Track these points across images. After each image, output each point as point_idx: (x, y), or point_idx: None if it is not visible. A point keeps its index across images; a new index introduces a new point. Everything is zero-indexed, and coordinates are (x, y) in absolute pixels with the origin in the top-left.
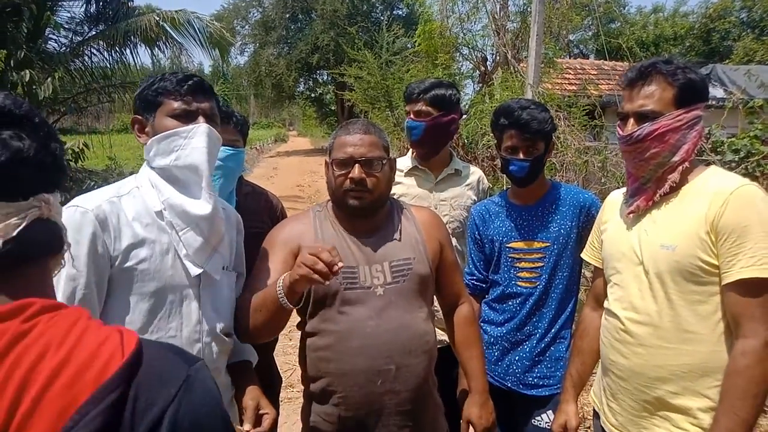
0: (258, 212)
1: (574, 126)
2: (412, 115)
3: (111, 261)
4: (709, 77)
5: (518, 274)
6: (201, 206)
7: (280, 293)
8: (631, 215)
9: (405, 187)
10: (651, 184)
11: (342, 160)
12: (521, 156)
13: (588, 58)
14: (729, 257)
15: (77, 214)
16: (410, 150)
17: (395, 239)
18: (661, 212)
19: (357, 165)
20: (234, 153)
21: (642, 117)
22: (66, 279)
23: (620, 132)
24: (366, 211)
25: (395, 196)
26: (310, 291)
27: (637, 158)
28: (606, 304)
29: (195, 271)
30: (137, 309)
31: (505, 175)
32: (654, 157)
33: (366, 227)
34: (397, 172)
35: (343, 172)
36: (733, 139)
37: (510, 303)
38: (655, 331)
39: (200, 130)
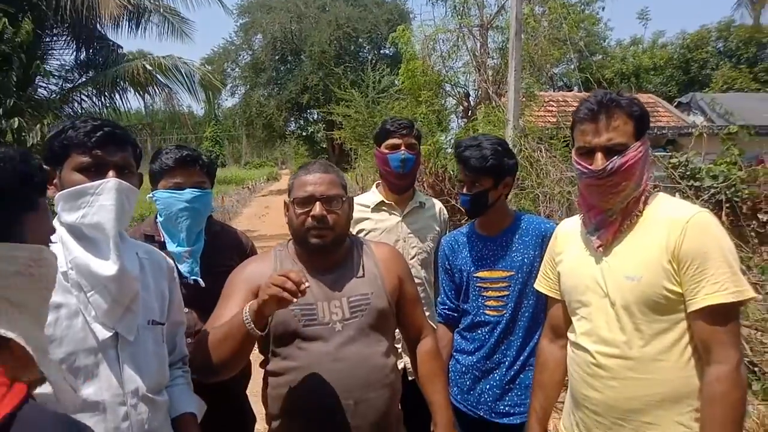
0: (227, 250)
1: (555, 157)
2: (404, 148)
3: None
4: (689, 105)
5: (486, 303)
6: (107, 267)
7: (247, 319)
8: (599, 249)
9: (373, 222)
10: (617, 216)
11: (303, 198)
12: (464, 190)
13: (572, 90)
14: (693, 284)
15: None
16: (375, 186)
17: (354, 275)
18: (621, 243)
19: (318, 203)
20: (201, 194)
21: (609, 151)
22: None
23: (587, 166)
24: (328, 248)
25: (364, 232)
26: (269, 329)
27: (606, 191)
28: (572, 337)
29: (104, 333)
30: None
31: None
32: (623, 189)
33: (326, 264)
34: (363, 209)
35: (304, 210)
36: (711, 165)
37: (479, 331)
38: (626, 363)
39: (108, 186)
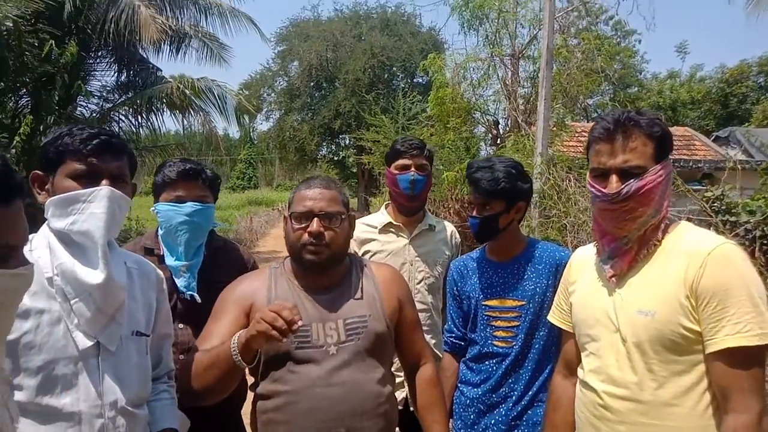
0: (228, 267)
1: (584, 187)
2: (414, 169)
3: None
4: (728, 139)
5: (494, 333)
6: (94, 275)
7: (234, 351)
8: (612, 279)
9: (380, 244)
10: (632, 244)
11: (301, 213)
12: (474, 213)
13: None
14: (712, 323)
15: None
16: (384, 206)
17: (351, 296)
18: (636, 274)
19: (316, 219)
20: (201, 208)
21: (625, 173)
22: None
23: (601, 189)
24: (323, 266)
25: (370, 254)
26: (260, 350)
27: (620, 217)
28: (581, 374)
29: (85, 342)
30: (24, 385)
31: None
32: (640, 216)
33: (322, 283)
34: (370, 229)
35: (301, 225)
36: (747, 200)
37: (486, 363)
38: (636, 407)
39: (101, 194)
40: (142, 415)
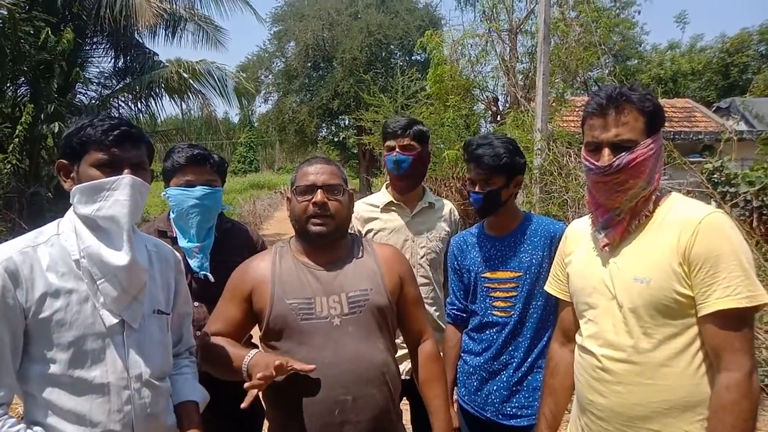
0: (238, 248)
1: None
2: (397, 150)
3: (25, 313)
4: (729, 110)
5: (493, 304)
6: (119, 257)
7: (245, 374)
8: (605, 248)
9: (382, 222)
10: (625, 215)
11: (305, 187)
12: (477, 189)
13: None
14: (704, 288)
15: None
16: (384, 186)
17: (353, 271)
18: (630, 244)
19: (320, 190)
20: (211, 192)
21: (617, 147)
22: None
23: (594, 162)
24: (328, 238)
25: (372, 232)
26: (268, 322)
27: (612, 189)
28: (579, 340)
29: (111, 320)
30: (57, 359)
31: None
32: (631, 187)
33: (325, 258)
34: (372, 208)
35: (306, 198)
36: (747, 171)
37: (487, 332)
38: (632, 368)
39: (124, 182)
40: (165, 388)
